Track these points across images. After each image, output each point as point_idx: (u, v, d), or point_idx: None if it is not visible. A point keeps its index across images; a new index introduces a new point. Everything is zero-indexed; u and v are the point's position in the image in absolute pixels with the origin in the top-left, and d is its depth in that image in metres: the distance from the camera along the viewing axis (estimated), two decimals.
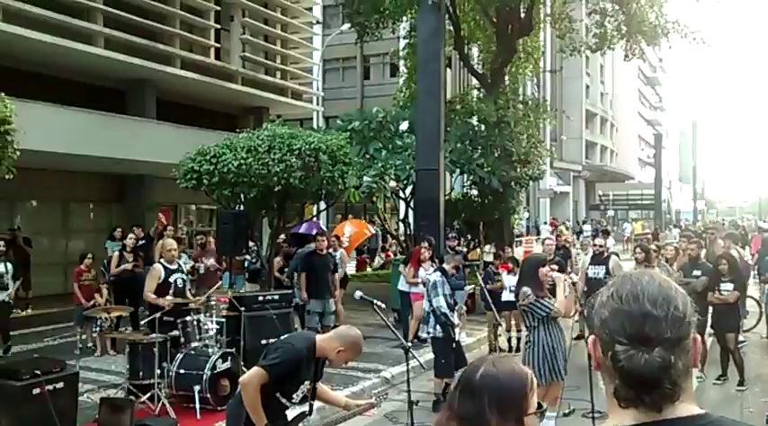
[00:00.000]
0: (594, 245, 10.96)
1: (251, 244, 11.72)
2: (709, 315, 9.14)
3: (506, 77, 19.49)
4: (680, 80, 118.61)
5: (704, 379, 9.13)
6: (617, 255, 11.81)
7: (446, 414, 2.03)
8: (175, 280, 8.02)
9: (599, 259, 10.40)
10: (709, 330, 9.33)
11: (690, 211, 57.49)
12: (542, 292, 6.28)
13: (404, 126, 16.05)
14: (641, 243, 12.07)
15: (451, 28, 17.50)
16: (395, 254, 17.24)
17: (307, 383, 4.25)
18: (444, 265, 8.79)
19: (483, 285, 9.71)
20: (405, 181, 14.94)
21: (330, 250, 12.30)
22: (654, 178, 44.49)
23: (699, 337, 1.40)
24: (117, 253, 11.11)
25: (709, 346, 9.72)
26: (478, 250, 16.19)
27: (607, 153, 56.07)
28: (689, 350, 1.35)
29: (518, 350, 10.19)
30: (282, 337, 4.52)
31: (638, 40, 19.21)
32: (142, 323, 7.95)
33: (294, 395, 4.22)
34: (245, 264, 12.30)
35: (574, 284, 8.54)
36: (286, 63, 22.44)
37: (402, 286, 11.67)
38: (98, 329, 9.36)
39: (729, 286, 9.01)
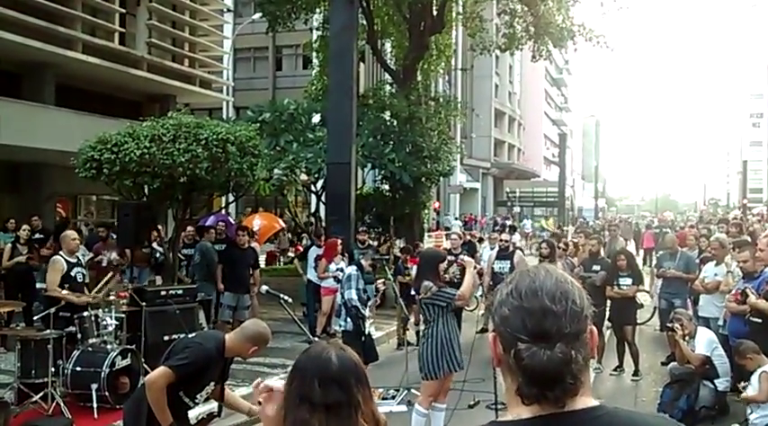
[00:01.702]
0: (501, 240, 11.19)
1: (157, 236, 11.35)
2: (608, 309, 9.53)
3: (418, 74, 19.66)
4: (585, 82, 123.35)
5: (602, 371, 9.50)
6: (521, 250, 12.12)
7: (306, 409, 2.03)
8: (75, 274, 7.65)
9: (504, 254, 10.63)
10: (606, 323, 9.73)
11: (591, 209, 59.84)
12: (442, 284, 6.35)
13: (316, 119, 15.92)
14: (547, 238, 12.42)
15: (365, 22, 17.48)
16: (305, 249, 17.06)
17: (212, 384, 4.14)
18: (362, 260, 8.83)
19: (392, 279, 9.74)
20: (316, 175, 14.83)
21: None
22: (558, 176, 46.06)
23: (595, 329, 1.41)
24: (9, 246, 10.50)
25: (606, 338, 10.13)
26: (389, 244, 16.28)
27: (515, 151, 57.69)
28: (587, 343, 1.36)
29: None
30: (191, 335, 4.36)
31: (546, 42, 19.80)
32: (35, 318, 7.52)
33: (198, 396, 4.12)
34: (158, 257, 11.87)
35: (480, 275, 8.68)
36: (194, 51, 21.82)
37: (312, 276, 11.59)
38: None
39: (628, 280, 9.39)
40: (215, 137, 9.56)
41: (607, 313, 9.55)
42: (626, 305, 9.39)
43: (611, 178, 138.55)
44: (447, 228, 25.67)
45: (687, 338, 7.50)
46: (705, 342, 7.43)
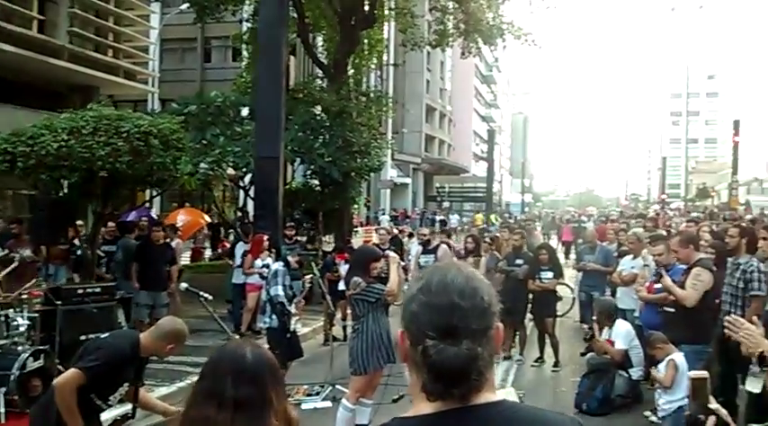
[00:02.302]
0: (421, 235, 11.33)
1: (74, 233, 10.96)
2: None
3: (350, 68, 19.62)
4: (514, 79, 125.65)
5: (523, 362, 9.74)
6: (447, 244, 12.27)
7: (212, 406, 2.01)
8: None
9: (429, 248, 10.75)
10: (528, 315, 9.97)
11: (518, 204, 61.11)
12: (371, 280, 6.37)
13: (245, 112, 15.68)
14: (473, 233, 12.62)
15: (296, 15, 17.32)
16: (232, 245, 16.79)
17: (126, 385, 4.03)
18: (289, 257, 8.76)
19: (318, 274, 9.72)
20: (244, 169, 14.61)
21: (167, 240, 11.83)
22: (486, 171, 46.80)
23: (501, 326, 1.43)
24: None
25: (529, 331, 10.38)
26: (318, 240, 16.21)
27: (445, 146, 58.33)
28: (493, 339, 1.39)
29: None
30: (103, 335, 4.23)
31: (475, 39, 20.07)
32: None
33: (111, 398, 4.00)
34: (78, 254, 11.44)
35: (405, 270, 8.73)
36: (119, 41, 21.08)
37: (236, 278, 11.44)
38: None
39: (549, 274, 9.65)
40: (137, 130, 9.29)
41: (529, 305, 9.80)
42: (547, 298, 9.66)
43: (538, 174, 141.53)
44: (378, 222, 25.77)
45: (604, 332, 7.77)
46: (624, 336, 7.69)
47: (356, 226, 19.25)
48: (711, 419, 2.36)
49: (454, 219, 40.26)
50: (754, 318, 4.58)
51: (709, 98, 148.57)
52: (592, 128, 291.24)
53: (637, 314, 8.41)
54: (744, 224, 8.94)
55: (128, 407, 4.33)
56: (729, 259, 6.81)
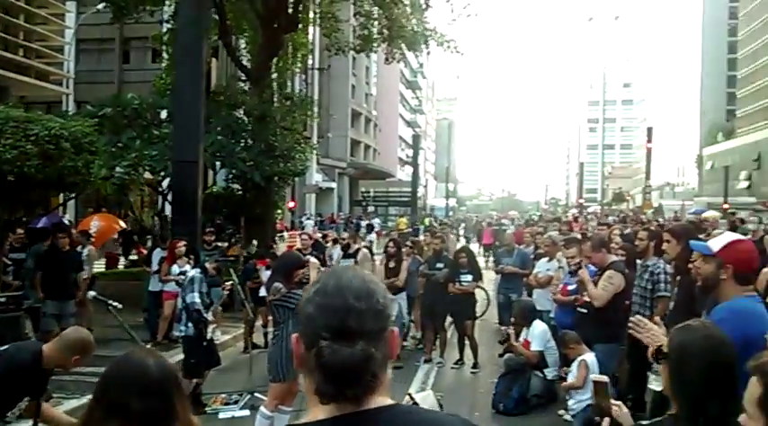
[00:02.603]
0: (342, 239, 11.38)
1: None
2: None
3: (273, 72, 19.41)
4: (439, 84, 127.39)
5: (443, 364, 9.86)
6: (368, 249, 12.31)
7: (117, 419, 1.95)
8: None
9: (349, 252, 10.77)
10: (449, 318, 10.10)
11: (443, 208, 61.91)
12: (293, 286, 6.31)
13: (164, 115, 15.29)
14: (394, 237, 12.70)
15: (217, 16, 17.03)
16: (149, 251, 16.34)
17: (26, 399, 3.83)
18: (206, 264, 8.59)
19: (237, 281, 9.57)
20: (162, 174, 14.23)
21: (78, 247, 11.39)
22: (412, 176, 47.25)
23: (396, 330, 1.44)
24: None
25: (450, 334, 10.51)
26: (240, 245, 15.93)
27: (370, 151, 58.58)
28: (388, 342, 1.39)
29: None
30: (3, 347, 4.02)
31: (399, 45, 20.22)
32: None
33: (9, 413, 3.79)
34: None
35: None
36: (30, 40, 20.30)
37: (152, 285, 11.15)
38: None
39: (468, 277, 9.80)
40: (47, 133, 8.94)
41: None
42: (466, 300, 9.79)
43: (463, 178, 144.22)
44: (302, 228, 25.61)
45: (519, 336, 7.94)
46: (539, 337, 7.88)
47: (281, 232, 19.06)
48: (606, 420, 2.45)
49: (375, 223, 40.43)
50: (657, 318, 4.79)
51: (625, 105, 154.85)
52: (514, 134, 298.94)
53: (552, 314, 8.64)
54: (653, 227, 9.33)
55: (28, 423, 4.14)
56: (639, 261, 7.10)
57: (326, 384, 1.33)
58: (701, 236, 7.02)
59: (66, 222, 15.47)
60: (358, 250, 10.79)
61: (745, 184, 73.59)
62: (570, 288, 7.82)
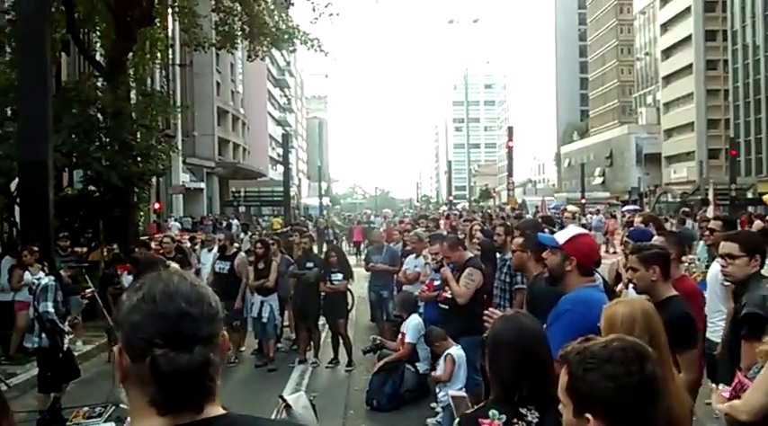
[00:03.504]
0: (218, 241, 11.08)
1: None
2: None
3: (129, 67, 18.48)
4: (307, 82, 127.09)
5: (318, 364, 9.78)
6: (246, 252, 11.96)
7: None
8: None
9: (225, 254, 10.41)
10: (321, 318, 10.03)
11: (317, 207, 61.80)
12: None
13: (9, 112, 14.20)
14: (261, 238, 12.45)
15: (64, 8, 15.99)
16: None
17: None
18: (61, 271, 8.05)
19: (96, 287, 9.03)
20: (8, 175, 13.18)
21: None
22: (283, 175, 46.74)
23: (226, 334, 1.41)
24: None
25: (324, 334, 10.44)
26: (101, 250, 15.07)
27: (240, 150, 57.42)
28: (219, 346, 1.36)
29: None
30: None
31: (262, 42, 19.89)
32: None
33: None
34: None
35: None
36: None
37: (4, 295, 10.33)
38: None
39: (339, 275, 9.76)
40: None
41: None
42: (338, 299, 9.78)
43: (337, 177, 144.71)
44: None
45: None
46: (412, 330, 7.98)
47: (151, 236, 18.23)
48: None
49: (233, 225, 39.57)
50: (518, 309, 4.95)
51: (487, 106, 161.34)
52: (386, 133, 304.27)
53: (422, 310, 8.75)
54: (509, 222, 9.70)
55: None
56: (498, 254, 7.34)
57: (165, 393, 1.27)
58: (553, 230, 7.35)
59: None
60: (235, 253, 10.44)
61: (599, 180, 78.95)
62: (436, 283, 7.95)
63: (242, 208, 46.35)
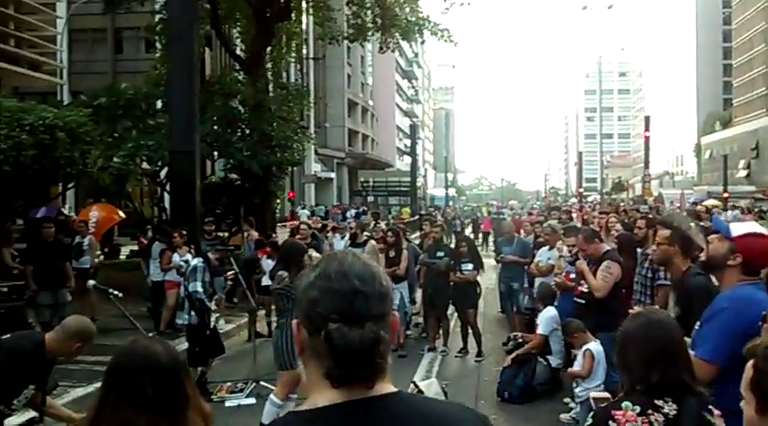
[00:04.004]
0: (350, 228, 11.32)
1: None
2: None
3: (268, 61, 19.28)
4: (435, 73, 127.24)
5: (447, 353, 9.81)
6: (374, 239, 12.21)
7: (130, 409, 1.94)
8: None
9: (357, 241, 10.69)
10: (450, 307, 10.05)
11: (443, 197, 61.85)
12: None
13: (159, 104, 15.20)
14: (392, 226, 12.62)
15: (209, 5, 16.89)
16: (149, 242, 16.29)
17: (31, 387, 3.81)
18: (209, 254, 8.55)
19: (237, 270, 9.52)
20: (159, 164, 14.16)
21: (78, 236, 11.32)
22: (410, 166, 47.12)
23: (396, 314, 1.45)
24: None
25: (453, 323, 10.47)
26: (240, 235, 15.88)
27: (368, 141, 58.47)
28: (389, 325, 1.39)
29: None
30: (4, 337, 3.98)
31: (393, 34, 20.11)
32: None
33: (15, 401, 3.77)
34: None
35: None
36: (21, 30, 20.09)
37: (156, 275, 11.11)
38: None
39: (469, 266, 9.74)
40: (41, 122, 8.87)
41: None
42: (468, 289, 9.74)
43: (462, 168, 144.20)
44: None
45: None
46: (546, 321, 7.83)
47: (283, 222, 19.02)
48: None
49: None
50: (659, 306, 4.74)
51: (622, 95, 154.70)
52: (513, 123, 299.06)
53: (556, 303, 8.57)
54: (651, 215, 9.29)
55: (34, 413, 4.11)
56: (639, 249, 7.05)
57: (339, 367, 1.32)
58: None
59: (66, 212, 15.39)
60: (366, 241, 10.69)
61: (744, 173, 73.74)
62: (572, 276, 7.75)
63: (370, 198, 47.23)
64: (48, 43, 21.94)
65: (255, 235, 13.80)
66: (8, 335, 4.05)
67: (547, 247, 9.60)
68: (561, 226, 10.10)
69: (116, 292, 4.96)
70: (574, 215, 16.38)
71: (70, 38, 29.55)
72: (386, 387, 1.38)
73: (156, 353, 2.07)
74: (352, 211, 33.11)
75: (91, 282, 5.33)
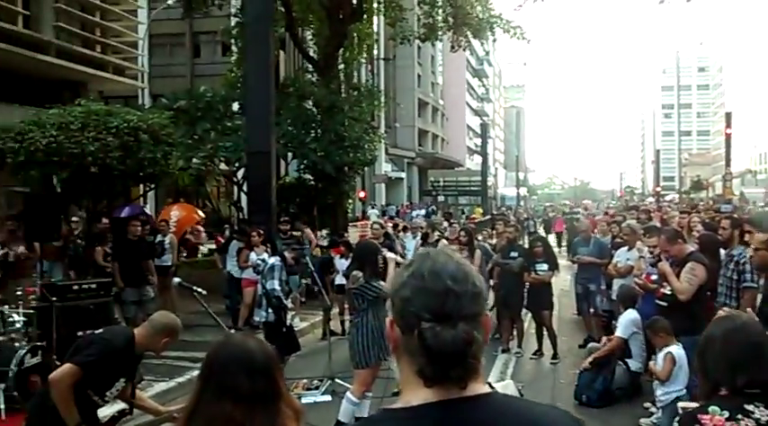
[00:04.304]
0: (422, 228, 11.35)
1: (67, 229, 10.85)
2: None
3: (339, 62, 19.51)
4: (505, 71, 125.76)
5: (522, 355, 9.70)
6: (446, 239, 12.18)
7: (227, 402, 2.00)
8: None
9: (428, 241, 10.71)
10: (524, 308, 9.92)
11: (513, 197, 61.15)
12: (376, 275, 6.31)
13: (236, 107, 15.61)
14: (465, 226, 12.57)
15: (283, 9, 17.21)
16: (227, 241, 16.75)
17: (122, 380, 3.99)
18: (286, 253, 8.73)
19: (312, 268, 9.66)
20: (236, 164, 14.53)
21: (160, 235, 11.73)
22: (481, 165, 46.74)
23: (489, 314, 1.45)
24: None
25: (527, 324, 10.34)
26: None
27: (438, 141, 58.32)
28: (483, 325, 1.38)
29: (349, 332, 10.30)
30: (97, 331, 4.18)
31: (465, 33, 20.01)
32: None
33: (108, 393, 3.96)
34: (72, 252, 11.30)
35: (399, 265, 8.72)
36: (106, 36, 20.92)
37: (233, 269, 11.40)
38: None
39: (544, 266, 9.59)
40: (126, 125, 9.23)
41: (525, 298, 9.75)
42: (543, 290, 9.59)
43: (533, 167, 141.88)
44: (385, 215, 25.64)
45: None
46: (625, 325, 7.62)
47: (355, 222, 19.20)
48: None
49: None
50: (749, 310, 4.54)
51: (701, 91, 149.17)
52: (586, 121, 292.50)
53: (636, 306, 8.33)
54: (736, 215, 8.94)
55: (124, 404, 4.28)
56: (723, 251, 6.79)
57: (431, 366, 1.32)
58: None
59: (147, 212, 15.96)
60: (437, 240, 10.69)
61: None
62: (654, 277, 7.53)
63: (440, 198, 47.12)
64: (130, 48, 22.75)
65: (310, 234, 13.92)
66: (101, 330, 4.23)
67: (626, 248, 9.36)
68: (641, 225, 9.83)
69: (200, 290, 5.11)
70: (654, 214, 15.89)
71: (150, 43, 30.65)
72: (480, 387, 1.37)
73: (251, 348, 2.13)
74: (419, 211, 32.90)
75: (176, 280, 5.49)
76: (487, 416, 1.35)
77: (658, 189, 66.09)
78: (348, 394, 6.37)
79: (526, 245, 10.89)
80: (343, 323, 11.13)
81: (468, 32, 20.25)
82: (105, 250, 10.54)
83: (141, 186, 13.53)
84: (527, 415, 1.40)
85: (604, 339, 8.23)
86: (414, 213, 31.95)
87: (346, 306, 10.98)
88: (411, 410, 1.35)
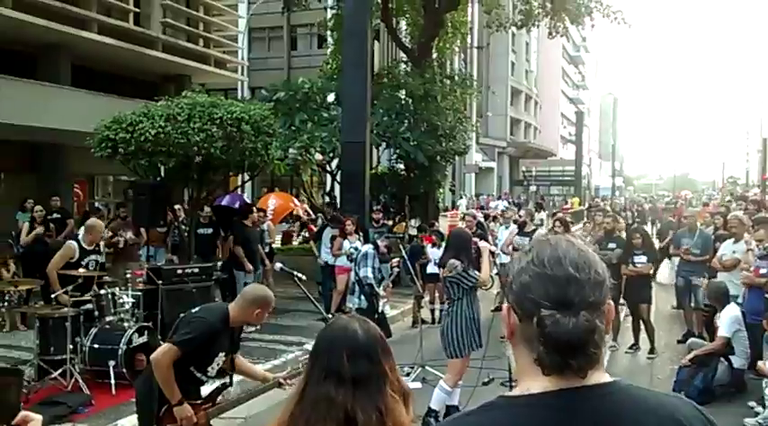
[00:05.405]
0: (519, 216, 11.25)
1: (172, 216, 11.40)
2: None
3: (434, 52, 19.47)
4: (603, 59, 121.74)
5: (617, 348, 9.48)
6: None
7: (331, 384, 2.05)
8: (88, 263, 7.62)
9: (524, 231, 10.60)
10: (621, 300, 9.67)
11: (608, 187, 59.35)
12: (472, 264, 6.33)
13: (331, 98, 15.87)
14: (559, 216, 12.35)
15: (380, 0, 17.33)
16: (320, 229, 17.14)
17: (222, 355, 4.15)
18: (378, 241, 8.88)
19: (406, 257, 9.76)
20: (331, 154, 14.80)
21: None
22: (575, 155, 45.62)
23: (612, 303, 1.38)
24: (26, 224, 10.65)
25: (622, 316, 10.09)
26: (404, 223, 16.26)
27: (531, 130, 57.21)
28: (605, 314, 1.34)
29: (440, 321, 10.34)
30: (193, 310, 4.38)
31: (563, 19, 19.54)
32: (53, 296, 7.55)
33: (209, 369, 4.13)
34: (175, 238, 11.92)
35: (493, 254, 8.71)
36: (209, 30, 21.76)
37: (327, 257, 11.64)
38: (6, 304, 8.90)
39: (643, 258, 9.32)
40: (229, 116, 9.58)
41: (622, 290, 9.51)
42: (641, 282, 9.32)
43: (628, 156, 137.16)
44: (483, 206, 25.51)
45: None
46: (728, 323, 7.33)
47: (445, 212, 19.21)
48: None
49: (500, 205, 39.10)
50: None
51: None
52: (685, 109, 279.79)
53: (740, 300, 8.00)
54: None
55: (225, 379, 4.48)
56: None
57: (551, 354, 1.28)
58: None
59: (247, 201, 16.52)
60: (534, 230, 10.57)
61: None
62: (762, 271, 7.20)
63: (531, 188, 46.31)
64: (231, 42, 23.58)
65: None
66: (197, 308, 4.42)
67: (731, 240, 8.96)
68: (749, 217, 9.39)
69: (300, 275, 5.27)
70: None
71: (249, 36, 31.58)
72: (601, 376, 1.33)
73: (354, 330, 2.14)
74: (501, 202, 31.10)
75: (278, 265, 5.68)
76: (611, 405, 1.31)
77: (765, 178, 62.42)
78: (441, 382, 6.42)
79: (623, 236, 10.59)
80: (432, 311, 11.20)
81: (566, 18, 19.76)
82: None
83: (240, 176, 14.01)
84: (651, 404, 1.35)
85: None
86: (492, 204, 31.10)
87: (436, 294, 11.06)
88: (532, 397, 1.33)
